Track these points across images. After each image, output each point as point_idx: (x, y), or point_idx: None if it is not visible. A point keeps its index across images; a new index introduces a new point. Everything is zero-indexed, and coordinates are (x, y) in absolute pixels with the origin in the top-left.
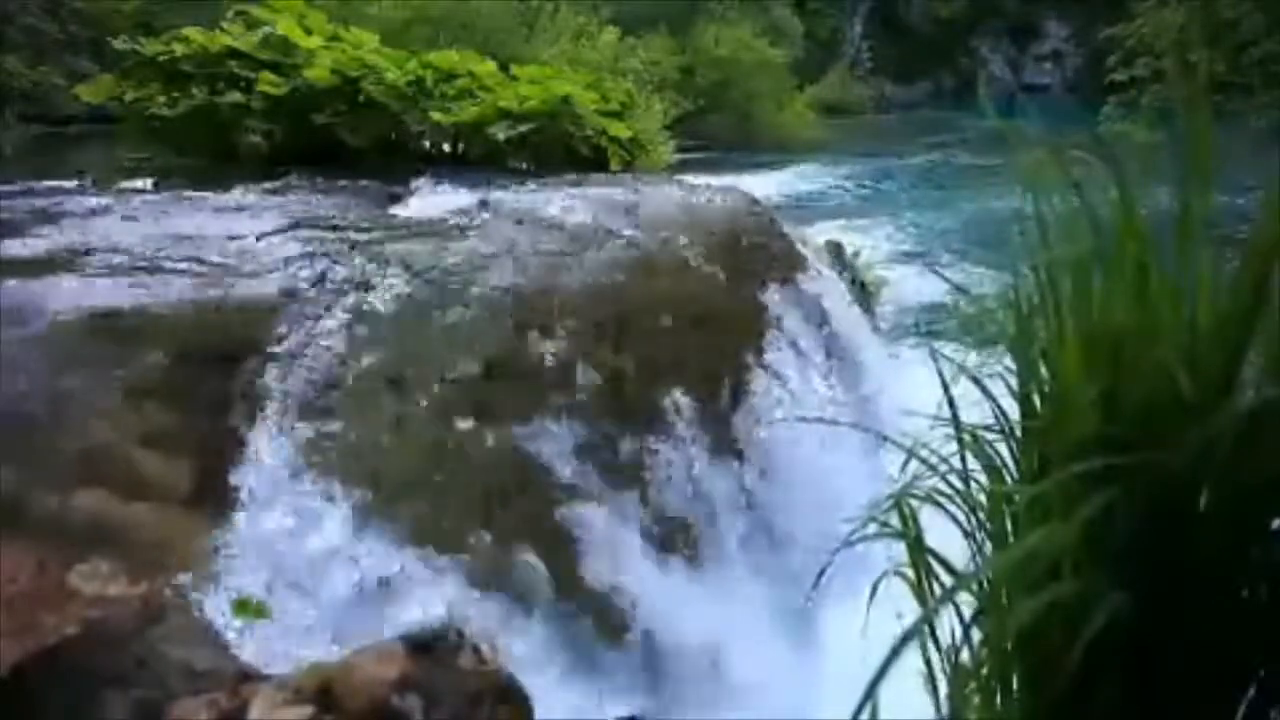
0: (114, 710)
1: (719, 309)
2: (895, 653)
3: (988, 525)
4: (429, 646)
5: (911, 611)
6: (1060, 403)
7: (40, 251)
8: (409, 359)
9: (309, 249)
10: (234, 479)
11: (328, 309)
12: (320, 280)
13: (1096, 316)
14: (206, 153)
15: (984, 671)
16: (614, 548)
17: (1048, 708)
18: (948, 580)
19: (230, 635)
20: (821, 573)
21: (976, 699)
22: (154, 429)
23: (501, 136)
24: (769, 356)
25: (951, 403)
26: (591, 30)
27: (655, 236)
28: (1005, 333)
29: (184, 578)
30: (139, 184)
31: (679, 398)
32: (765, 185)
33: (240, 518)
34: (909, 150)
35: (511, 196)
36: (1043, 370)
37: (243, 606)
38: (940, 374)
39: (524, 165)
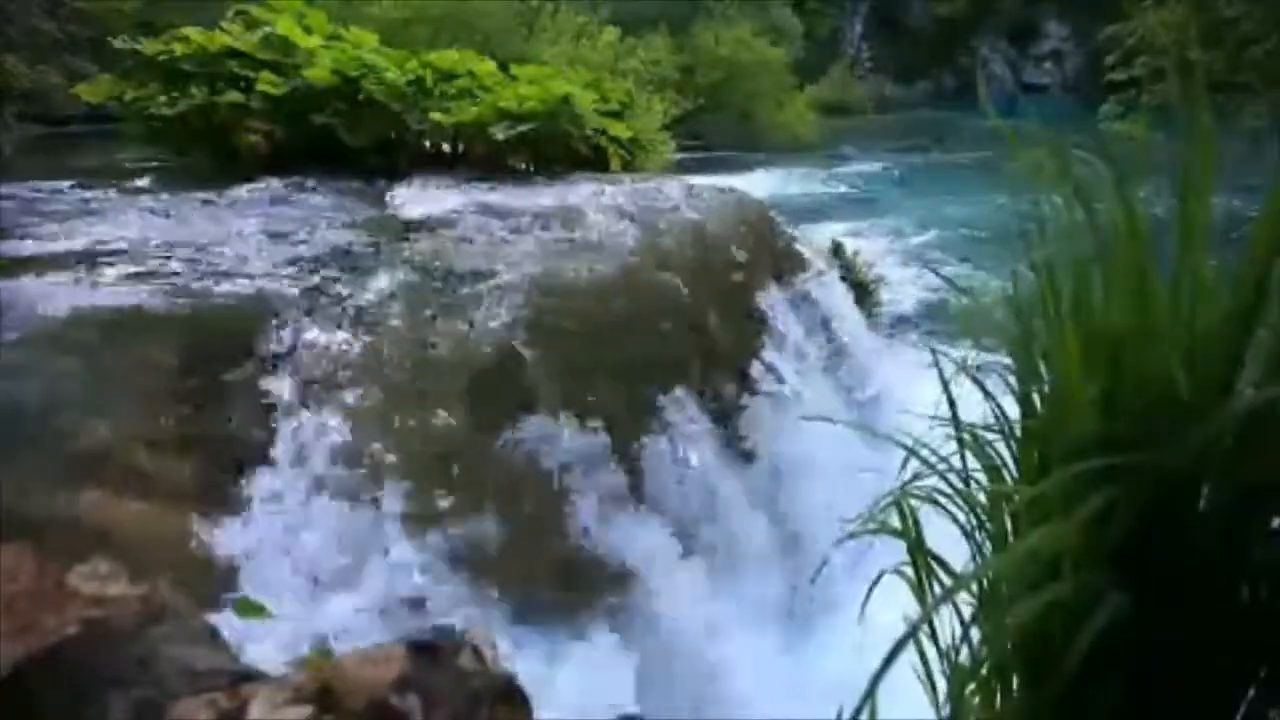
0: (114, 710)
1: (721, 307)
2: (895, 653)
3: (988, 525)
4: (429, 646)
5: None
6: (1060, 403)
7: (40, 252)
8: (409, 357)
9: (310, 249)
10: (237, 478)
11: (329, 309)
12: (321, 280)
13: (1096, 316)
14: (206, 152)
15: (984, 671)
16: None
17: (1048, 708)
18: (948, 580)
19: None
20: (818, 571)
21: (976, 699)
22: (156, 429)
23: (501, 136)
24: (769, 355)
25: (951, 402)
26: (591, 30)
27: (654, 237)
28: (1005, 332)
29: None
30: (139, 184)
31: (680, 395)
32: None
33: (243, 517)
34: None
35: (507, 196)
36: (1043, 370)
37: (245, 606)
38: (940, 374)
39: (524, 165)
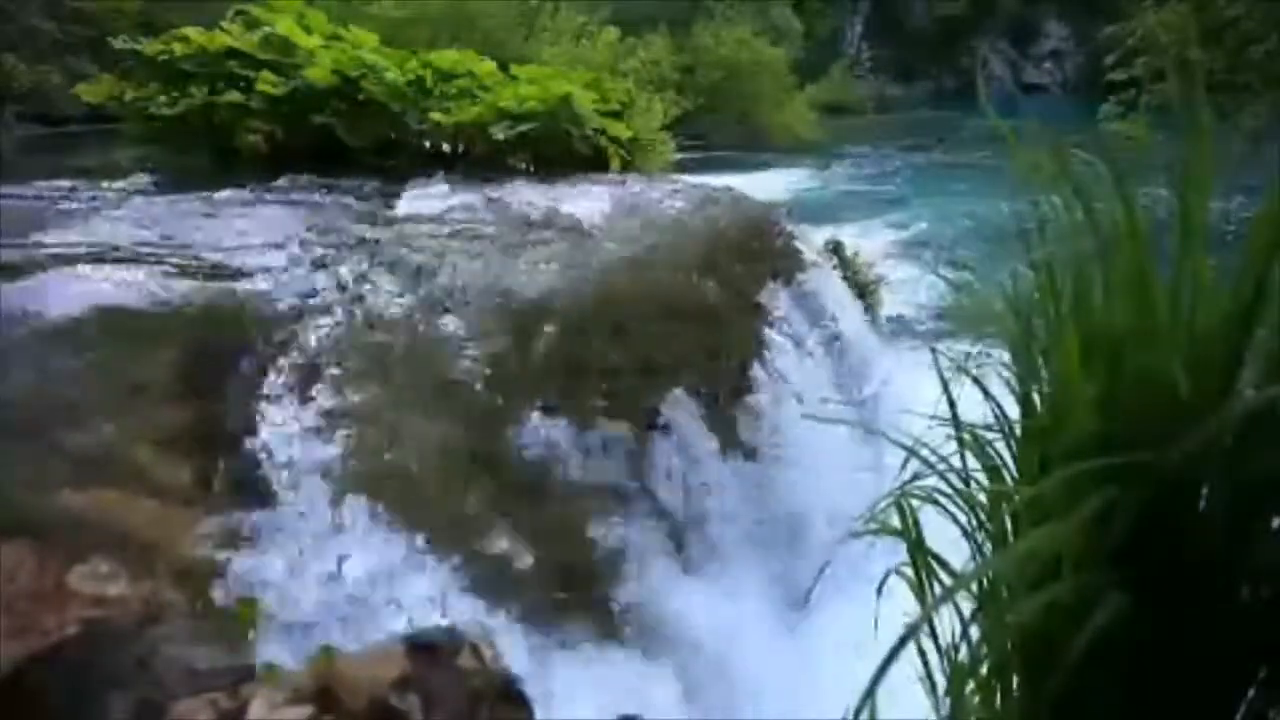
0: (114, 710)
1: (721, 306)
2: (895, 652)
3: (988, 525)
4: (429, 646)
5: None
6: (1060, 403)
7: (40, 252)
8: (409, 355)
9: (310, 248)
10: (238, 477)
11: (330, 308)
12: (321, 279)
13: (1096, 316)
14: (206, 152)
15: (983, 671)
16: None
17: (1048, 707)
18: (948, 580)
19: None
20: (820, 573)
21: (976, 699)
22: (157, 428)
23: (501, 136)
24: (770, 354)
25: (951, 402)
26: (591, 30)
27: (655, 235)
28: (1006, 332)
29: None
30: (138, 184)
31: (680, 393)
32: None
33: (245, 516)
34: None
35: (506, 196)
36: (1043, 370)
37: (242, 606)
38: (940, 373)
39: (524, 165)
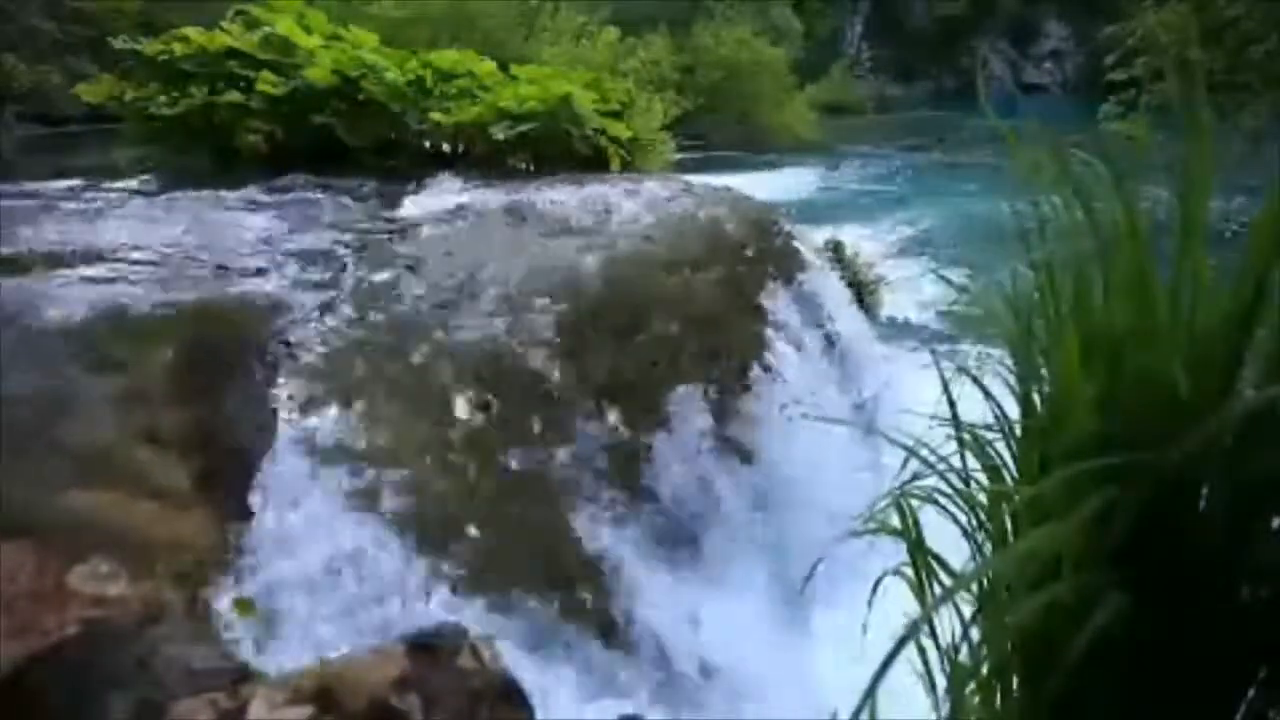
0: (114, 710)
1: (722, 306)
2: (895, 652)
3: (988, 525)
4: (429, 647)
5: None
6: (1060, 403)
7: (40, 251)
8: (411, 355)
9: (310, 248)
10: (239, 478)
11: (331, 308)
12: (322, 279)
13: (1096, 316)
14: (206, 152)
15: (984, 671)
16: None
17: (1048, 707)
18: (948, 580)
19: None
20: (813, 568)
21: (976, 699)
22: (157, 428)
23: (501, 136)
24: (769, 353)
25: (951, 402)
26: (591, 30)
27: (657, 234)
28: (1006, 332)
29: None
30: (138, 184)
31: (682, 392)
32: None
33: (246, 517)
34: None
35: (509, 193)
36: (1043, 370)
37: (239, 605)
38: (940, 374)
39: (524, 165)
